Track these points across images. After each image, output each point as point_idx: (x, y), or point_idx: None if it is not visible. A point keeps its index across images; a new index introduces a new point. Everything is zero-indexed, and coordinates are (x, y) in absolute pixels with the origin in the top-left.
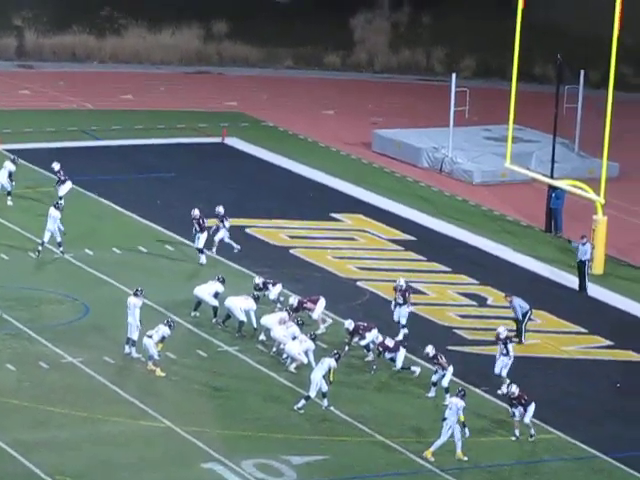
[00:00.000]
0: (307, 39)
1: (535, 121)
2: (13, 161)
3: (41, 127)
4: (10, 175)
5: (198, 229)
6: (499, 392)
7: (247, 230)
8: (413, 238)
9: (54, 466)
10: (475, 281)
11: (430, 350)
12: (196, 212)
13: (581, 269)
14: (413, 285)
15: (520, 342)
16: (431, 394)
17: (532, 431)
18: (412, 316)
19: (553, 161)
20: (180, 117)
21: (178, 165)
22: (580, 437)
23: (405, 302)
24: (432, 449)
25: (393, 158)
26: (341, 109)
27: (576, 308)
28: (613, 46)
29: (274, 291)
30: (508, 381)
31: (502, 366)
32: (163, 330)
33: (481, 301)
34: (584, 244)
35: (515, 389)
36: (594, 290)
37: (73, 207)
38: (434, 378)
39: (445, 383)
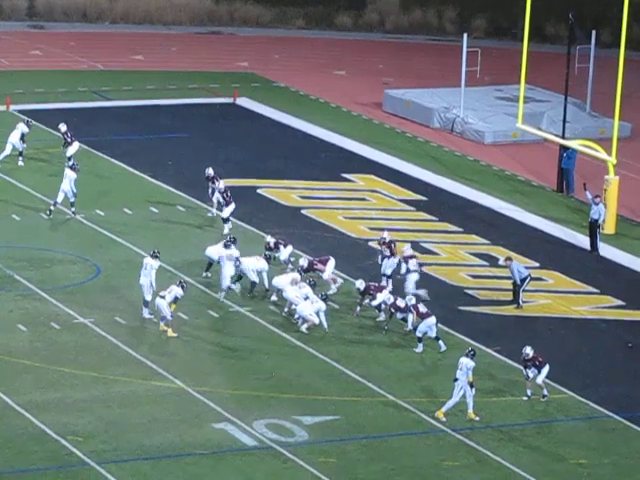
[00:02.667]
0: None
1: (546, 81)
2: (27, 123)
3: (52, 88)
4: (22, 136)
5: (223, 202)
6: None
7: (258, 190)
8: (424, 198)
9: (65, 426)
10: (486, 241)
11: (530, 351)
12: (210, 171)
13: (593, 229)
14: (424, 245)
15: (518, 306)
16: (442, 348)
17: (545, 392)
18: (424, 276)
19: (564, 121)
20: (191, 78)
21: (189, 126)
22: (591, 397)
23: (392, 254)
24: (444, 409)
25: (404, 118)
26: (352, 69)
27: (587, 268)
28: (625, 6)
29: (285, 252)
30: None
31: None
32: (176, 291)
33: (492, 261)
34: (597, 204)
35: (530, 350)
36: (605, 250)
37: (84, 168)
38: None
39: (540, 380)
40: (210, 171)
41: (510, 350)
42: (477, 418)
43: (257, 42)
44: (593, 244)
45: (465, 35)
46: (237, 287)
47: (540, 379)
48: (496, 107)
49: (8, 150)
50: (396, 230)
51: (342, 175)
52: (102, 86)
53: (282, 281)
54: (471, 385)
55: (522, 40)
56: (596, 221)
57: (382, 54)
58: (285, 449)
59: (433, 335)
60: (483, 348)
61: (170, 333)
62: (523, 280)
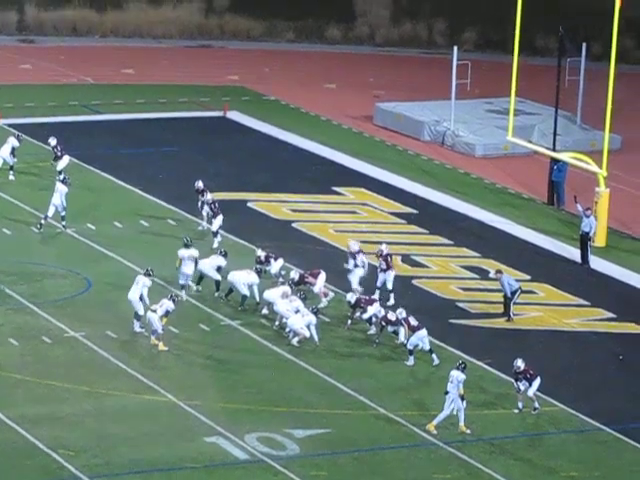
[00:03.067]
0: (309, 12)
1: (537, 94)
2: (18, 137)
3: (42, 102)
4: (13, 150)
5: (211, 214)
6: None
7: (249, 204)
8: (415, 211)
9: (56, 440)
10: (477, 254)
11: (521, 364)
12: (199, 184)
13: (584, 241)
14: (415, 258)
15: (509, 319)
16: (435, 362)
17: (536, 404)
18: (415, 290)
19: (555, 134)
20: (182, 91)
21: (180, 139)
22: (582, 409)
23: (388, 267)
24: (435, 422)
25: (395, 131)
26: (342, 82)
27: (578, 281)
28: (615, 18)
29: (275, 266)
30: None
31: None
32: (167, 305)
33: (483, 274)
34: (588, 216)
35: (521, 363)
36: (596, 263)
37: (74, 182)
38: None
39: (531, 393)
40: (200, 184)
41: (501, 363)
42: (468, 431)
43: (247, 55)
44: (584, 257)
45: (455, 48)
46: (195, 288)
47: (531, 392)
48: (486, 120)
49: None
50: (387, 243)
51: (333, 188)
52: (92, 100)
53: (273, 294)
54: (462, 398)
55: (512, 53)
56: (587, 234)
57: (372, 67)
58: (276, 462)
59: (426, 348)
60: (474, 361)
61: (161, 347)
62: (514, 293)
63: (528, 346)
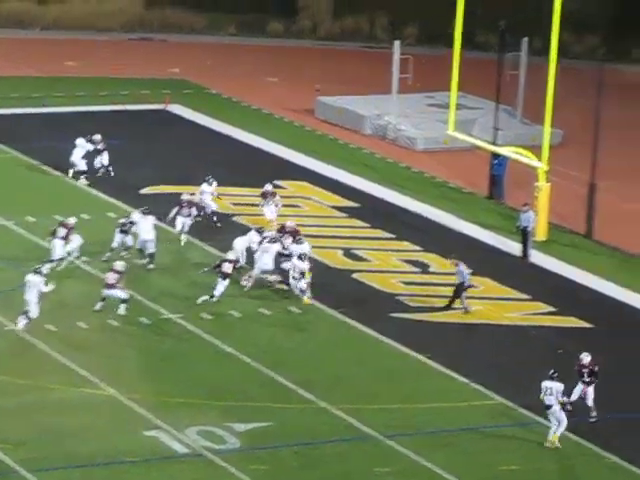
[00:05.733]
0: (250, 6)
1: (478, 88)
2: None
3: None
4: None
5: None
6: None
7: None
8: (357, 205)
9: None
10: (418, 248)
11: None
12: (184, 196)
13: (524, 236)
14: (356, 252)
15: (466, 311)
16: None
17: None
18: (356, 284)
19: (496, 128)
20: (123, 84)
21: (121, 132)
22: (522, 402)
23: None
24: (554, 436)
25: (337, 125)
26: (284, 76)
27: (519, 275)
28: (556, 13)
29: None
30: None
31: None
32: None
33: (424, 268)
34: (526, 211)
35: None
36: (537, 257)
37: (15, 175)
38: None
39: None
40: (184, 196)
41: (441, 357)
42: (558, 445)
43: (189, 49)
44: (524, 251)
45: (397, 42)
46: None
47: (590, 400)
48: (428, 114)
49: None
50: (329, 237)
51: (274, 182)
52: (34, 92)
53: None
54: (563, 407)
55: (453, 47)
56: (525, 228)
57: (314, 61)
58: (217, 456)
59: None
60: (414, 354)
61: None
62: (469, 285)
63: (468, 339)
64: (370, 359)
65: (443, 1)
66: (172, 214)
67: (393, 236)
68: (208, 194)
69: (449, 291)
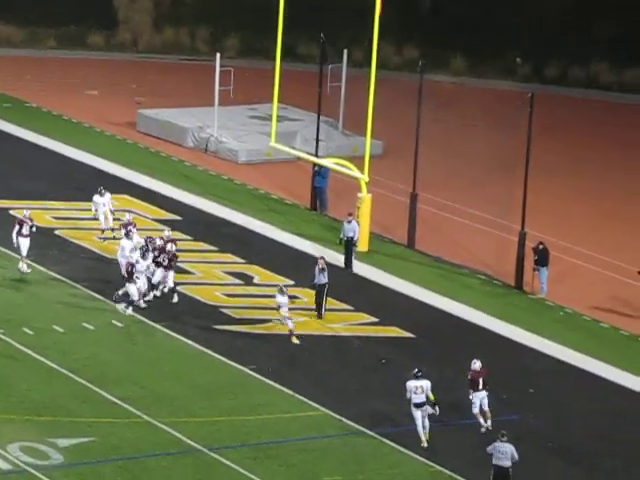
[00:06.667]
0: (70, 19)
1: (300, 100)
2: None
3: None
4: None
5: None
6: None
7: (11, 212)
8: (179, 217)
9: None
10: (241, 260)
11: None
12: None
13: (347, 246)
14: (179, 265)
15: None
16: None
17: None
18: (180, 296)
19: (317, 139)
20: None
21: None
22: (346, 413)
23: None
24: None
25: (158, 138)
26: (105, 89)
27: (342, 285)
28: (375, 26)
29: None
30: None
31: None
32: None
33: (248, 280)
34: (350, 222)
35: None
36: (359, 267)
37: None
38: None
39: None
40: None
41: (265, 369)
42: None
43: (8, 62)
44: (347, 261)
45: (218, 55)
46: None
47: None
48: (250, 126)
49: None
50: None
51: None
52: None
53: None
54: (434, 405)
55: (275, 59)
56: (351, 239)
57: (135, 74)
58: (40, 472)
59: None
60: (238, 367)
61: None
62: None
63: (292, 351)
64: (194, 372)
65: (264, 14)
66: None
67: (216, 248)
68: (100, 205)
69: (274, 303)
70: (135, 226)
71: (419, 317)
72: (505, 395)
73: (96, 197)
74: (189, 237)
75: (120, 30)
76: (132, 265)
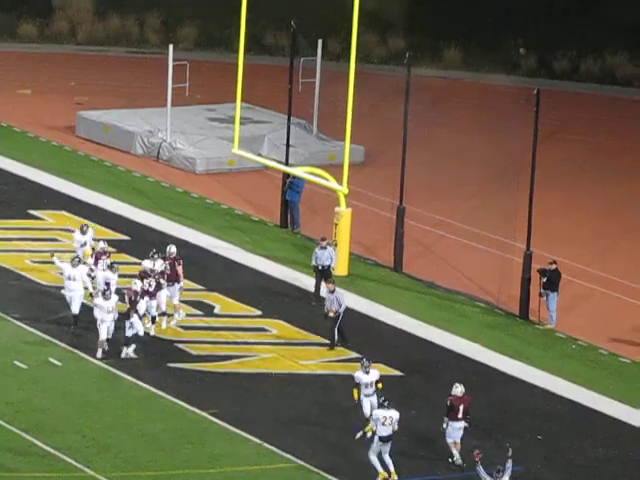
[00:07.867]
0: None
1: (267, 99)
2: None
3: None
4: None
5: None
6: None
7: None
8: (127, 237)
9: None
10: (199, 286)
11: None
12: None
13: (319, 274)
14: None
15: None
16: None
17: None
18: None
19: (288, 145)
20: None
21: None
22: (323, 464)
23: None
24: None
25: (102, 144)
26: (39, 88)
27: (315, 316)
28: (355, 12)
29: None
30: None
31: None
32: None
33: (207, 310)
34: (324, 247)
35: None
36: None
37: None
38: None
39: None
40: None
41: (229, 413)
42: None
43: None
44: (317, 288)
45: (171, 46)
46: None
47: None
48: (209, 130)
49: None
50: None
51: (29, 212)
52: None
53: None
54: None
55: (237, 51)
56: (328, 267)
57: (74, 69)
58: None
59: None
60: (197, 411)
61: None
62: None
63: (260, 392)
64: (144, 418)
65: None
66: None
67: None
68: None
69: (238, 337)
70: (109, 256)
71: (408, 352)
72: (508, 442)
73: (77, 234)
74: (138, 260)
75: (56, 18)
76: (136, 293)
